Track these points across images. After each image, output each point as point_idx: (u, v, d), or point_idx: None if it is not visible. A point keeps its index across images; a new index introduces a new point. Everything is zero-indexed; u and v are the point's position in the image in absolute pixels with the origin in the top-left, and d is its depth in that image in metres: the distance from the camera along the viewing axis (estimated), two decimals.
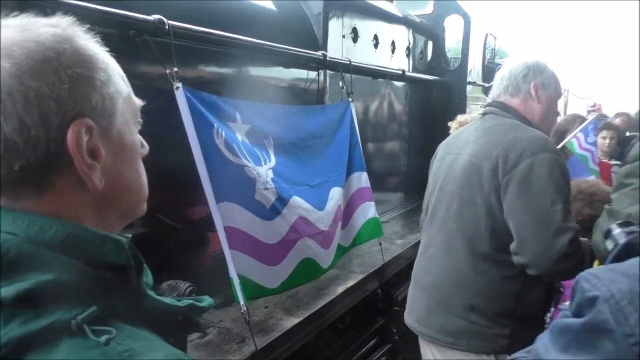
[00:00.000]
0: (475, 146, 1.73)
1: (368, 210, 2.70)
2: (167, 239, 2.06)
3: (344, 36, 3.08)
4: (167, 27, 1.68)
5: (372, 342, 3.04)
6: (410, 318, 1.95)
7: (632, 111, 6.34)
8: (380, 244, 2.87)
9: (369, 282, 2.77)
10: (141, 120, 0.71)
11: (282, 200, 2.01)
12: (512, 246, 1.62)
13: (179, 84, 1.66)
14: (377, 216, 2.78)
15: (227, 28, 2.05)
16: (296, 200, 2.10)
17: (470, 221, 1.70)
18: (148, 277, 0.65)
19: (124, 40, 1.68)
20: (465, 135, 1.87)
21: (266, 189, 1.93)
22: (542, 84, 1.78)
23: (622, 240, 0.61)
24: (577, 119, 4.15)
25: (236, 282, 1.77)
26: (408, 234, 3.47)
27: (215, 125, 1.78)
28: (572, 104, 12.69)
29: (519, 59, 1.84)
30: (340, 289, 2.46)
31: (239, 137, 1.92)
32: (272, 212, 1.97)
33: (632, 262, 0.55)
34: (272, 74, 2.63)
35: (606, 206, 1.51)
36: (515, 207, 1.58)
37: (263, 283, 1.95)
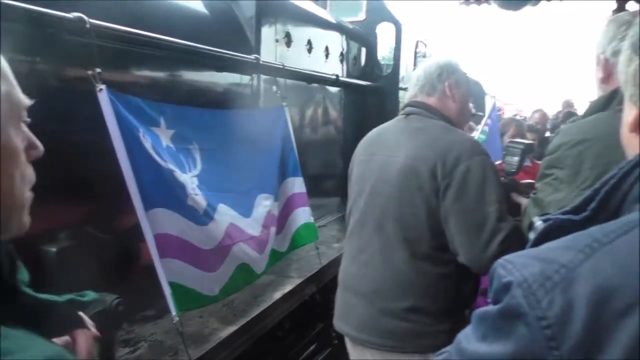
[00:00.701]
0: (409, 148, 1.73)
1: (303, 215, 2.69)
2: (95, 251, 1.95)
3: (277, 40, 3.07)
4: (87, 25, 1.59)
5: (311, 347, 3.03)
6: (346, 326, 1.90)
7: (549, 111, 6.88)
8: (317, 248, 2.87)
9: (306, 286, 2.76)
10: (28, 119, 0.64)
11: (212, 207, 1.97)
12: (452, 248, 1.67)
13: (102, 86, 1.58)
14: (312, 221, 2.77)
15: (155, 29, 1.98)
16: (223, 207, 2.05)
17: (411, 223, 1.70)
18: (23, 275, 0.60)
19: (48, 40, 1.59)
20: (391, 136, 1.85)
21: (196, 194, 1.88)
22: (456, 83, 1.84)
23: (541, 229, 0.62)
24: (513, 122, 4.45)
25: (167, 291, 1.71)
26: (345, 238, 3.49)
27: (141, 129, 1.71)
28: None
29: (432, 60, 1.91)
30: (277, 295, 2.43)
31: (164, 142, 1.86)
32: (206, 217, 1.92)
33: (545, 247, 0.56)
34: (204, 78, 2.57)
35: (532, 194, 1.62)
36: (452, 212, 1.63)
37: (202, 290, 1.90)
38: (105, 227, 2.04)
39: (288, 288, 2.53)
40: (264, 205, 2.38)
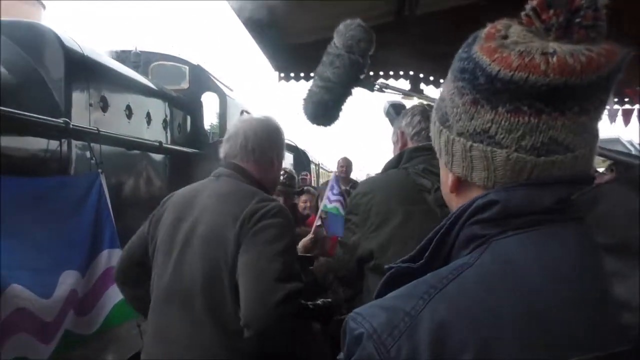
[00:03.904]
0: (214, 216, 1.57)
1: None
2: None
3: (91, 105, 2.90)
4: None
5: None
6: None
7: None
8: (139, 326, 2.63)
9: None
10: None
11: None
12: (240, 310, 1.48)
13: None
14: None
15: None
16: (15, 289, 1.78)
17: (217, 297, 1.51)
18: None
19: None
20: (199, 200, 1.65)
21: None
22: (282, 152, 1.81)
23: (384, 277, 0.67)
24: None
25: None
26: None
27: None
28: (322, 175, 14.34)
29: (260, 121, 1.77)
30: None
31: None
32: None
33: (390, 296, 0.60)
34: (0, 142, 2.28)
35: (339, 238, 1.77)
36: (240, 265, 1.49)
37: None
38: None
39: None
40: (69, 283, 2.13)
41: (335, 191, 3.77)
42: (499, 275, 0.55)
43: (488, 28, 0.62)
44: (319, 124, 1.68)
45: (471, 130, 0.62)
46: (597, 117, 0.60)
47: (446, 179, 0.69)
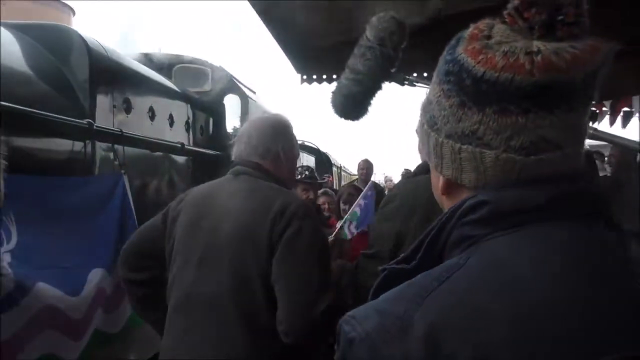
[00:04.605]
0: (241, 213, 1.58)
1: None
2: None
3: (115, 106, 2.92)
4: None
5: None
6: None
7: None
8: None
9: None
10: None
11: (23, 288, 1.70)
12: (277, 314, 1.50)
13: None
14: None
15: None
16: (41, 287, 1.79)
17: (247, 297, 1.52)
18: None
19: None
20: (220, 200, 1.66)
21: (2, 274, 1.62)
22: (289, 145, 1.79)
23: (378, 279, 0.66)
24: (349, 187, 4.70)
25: None
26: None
27: None
28: (344, 178, 14.34)
29: (263, 119, 1.83)
30: None
31: None
32: (8, 303, 1.64)
33: (382, 297, 0.59)
34: (27, 143, 2.31)
35: (362, 251, 1.71)
36: (280, 272, 1.50)
37: None
38: None
39: None
40: (97, 281, 2.15)
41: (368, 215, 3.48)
42: (488, 277, 0.55)
43: (471, 29, 0.62)
44: (347, 117, 1.64)
45: (459, 133, 0.62)
46: (585, 113, 0.61)
47: (437, 181, 0.70)
